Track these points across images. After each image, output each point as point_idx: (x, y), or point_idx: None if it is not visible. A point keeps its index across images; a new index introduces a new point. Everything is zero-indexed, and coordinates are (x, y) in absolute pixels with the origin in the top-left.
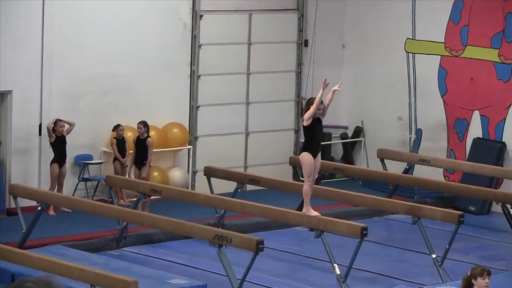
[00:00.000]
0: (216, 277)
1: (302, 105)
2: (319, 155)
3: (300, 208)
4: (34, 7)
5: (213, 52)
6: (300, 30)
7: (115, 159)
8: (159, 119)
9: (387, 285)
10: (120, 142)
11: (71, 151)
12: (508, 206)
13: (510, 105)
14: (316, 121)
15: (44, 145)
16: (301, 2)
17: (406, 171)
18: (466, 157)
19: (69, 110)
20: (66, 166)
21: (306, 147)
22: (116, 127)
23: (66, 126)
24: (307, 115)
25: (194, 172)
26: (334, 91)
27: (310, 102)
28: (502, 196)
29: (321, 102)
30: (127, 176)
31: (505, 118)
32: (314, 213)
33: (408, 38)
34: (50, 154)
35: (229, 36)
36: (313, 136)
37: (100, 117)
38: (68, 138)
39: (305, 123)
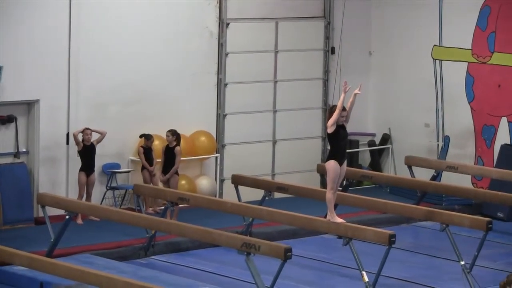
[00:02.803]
0: (244, 285)
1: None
2: (345, 163)
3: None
4: (61, 17)
5: (240, 60)
6: (327, 37)
7: (143, 167)
8: (186, 128)
9: None
10: (147, 151)
11: (99, 160)
12: None
13: None
14: (340, 127)
15: (71, 154)
16: (328, 10)
17: (434, 178)
18: (494, 163)
19: (96, 119)
20: (95, 175)
21: (331, 155)
22: (148, 138)
23: (95, 135)
24: (330, 121)
25: (222, 180)
26: (355, 94)
27: (332, 109)
28: None
29: (344, 109)
30: (159, 184)
31: None
32: (339, 220)
33: (435, 45)
34: (77, 163)
35: (256, 44)
36: (337, 143)
37: (128, 125)
38: (96, 147)
39: (329, 130)
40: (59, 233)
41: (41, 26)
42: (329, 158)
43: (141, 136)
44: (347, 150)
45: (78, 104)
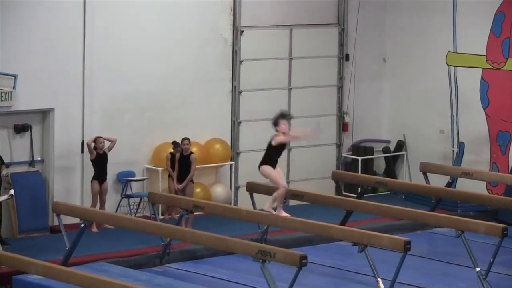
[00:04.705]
0: None
1: (343, 119)
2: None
3: (343, 223)
4: (75, 26)
5: (254, 68)
6: (341, 44)
7: (170, 175)
8: (201, 135)
9: None
10: (174, 158)
11: (114, 168)
12: None
13: None
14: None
15: (86, 162)
16: (342, 17)
17: (449, 185)
18: (509, 169)
19: (110, 127)
20: (108, 183)
21: (266, 161)
22: (176, 146)
23: (107, 143)
24: (279, 140)
25: (237, 188)
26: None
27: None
28: None
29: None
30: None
31: None
32: (284, 214)
33: (449, 51)
34: (92, 171)
35: (270, 51)
36: (273, 154)
37: (142, 133)
38: (110, 155)
39: (274, 143)
40: (74, 242)
41: (55, 34)
42: (263, 164)
43: (172, 143)
44: (362, 157)
45: (92, 112)
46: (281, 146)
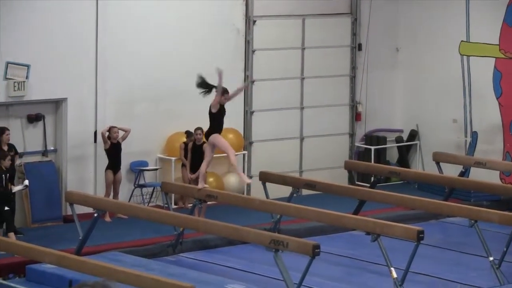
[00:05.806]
0: (272, 282)
1: (356, 109)
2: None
3: (356, 212)
4: (88, 16)
5: (267, 57)
6: (354, 34)
7: (183, 164)
8: None
9: None
10: (187, 147)
11: (127, 158)
12: None
13: None
14: (222, 106)
15: (99, 152)
16: (355, 6)
17: (462, 174)
18: None
19: (123, 117)
20: (121, 173)
21: (213, 130)
22: (189, 135)
23: (121, 133)
24: (214, 103)
25: (250, 177)
26: (238, 89)
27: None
28: None
29: (227, 92)
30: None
31: None
32: (205, 185)
33: (462, 41)
34: (105, 161)
35: (283, 41)
36: (219, 121)
37: (155, 123)
38: (123, 145)
39: (213, 110)
40: (87, 231)
41: (68, 24)
42: (211, 134)
43: (185, 133)
44: (375, 147)
45: (105, 102)
46: (221, 112)
